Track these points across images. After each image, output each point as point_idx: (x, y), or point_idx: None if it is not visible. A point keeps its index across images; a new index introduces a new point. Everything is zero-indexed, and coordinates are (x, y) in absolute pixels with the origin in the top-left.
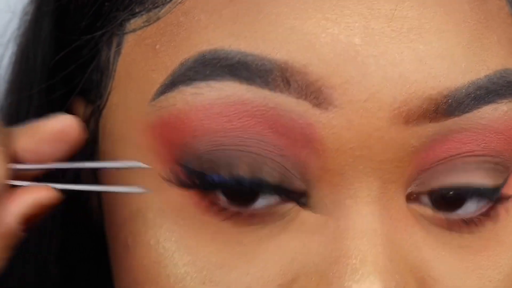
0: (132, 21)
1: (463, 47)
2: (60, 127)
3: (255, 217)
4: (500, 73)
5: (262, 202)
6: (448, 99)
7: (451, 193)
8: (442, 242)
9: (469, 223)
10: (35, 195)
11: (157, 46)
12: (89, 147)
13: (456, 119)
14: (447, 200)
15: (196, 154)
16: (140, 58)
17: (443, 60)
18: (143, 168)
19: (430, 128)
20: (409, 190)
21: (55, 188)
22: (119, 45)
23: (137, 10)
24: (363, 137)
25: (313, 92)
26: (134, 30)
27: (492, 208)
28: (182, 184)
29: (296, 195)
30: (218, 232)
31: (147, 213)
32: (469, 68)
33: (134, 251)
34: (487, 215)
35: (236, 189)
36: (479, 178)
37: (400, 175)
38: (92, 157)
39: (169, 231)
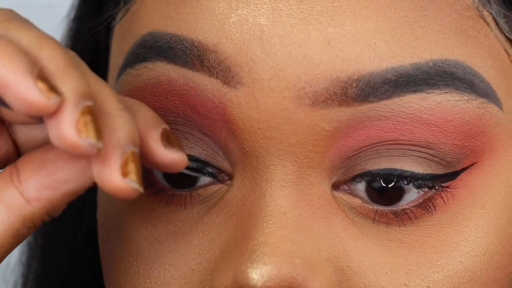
0: (119, 12)
1: (384, 32)
2: (170, 163)
3: (178, 197)
4: (434, 63)
5: (200, 183)
6: (359, 83)
7: (389, 186)
8: (369, 234)
9: (400, 215)
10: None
11: (123, 34)
12: None
13: (372, 105)
14: (385, 193)
15: None
16: (116, 46)
17: (355, 43)
18: None
19: (342, 113)
20: (335, 178)
21: None
22: (113, 35)
23: (119, 1)
24: (270, 117)
25: (222, 70)
26: (119, 21)
27: (429, 199)
28: None
29: (223, 177)
30: (153, 209)
31: (101, 195)
32: (390, 54)
33: (99, 226)
34: (422, 207)
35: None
36: (408, 166)
37: (319, 161)
38: None
39: (114, 209)
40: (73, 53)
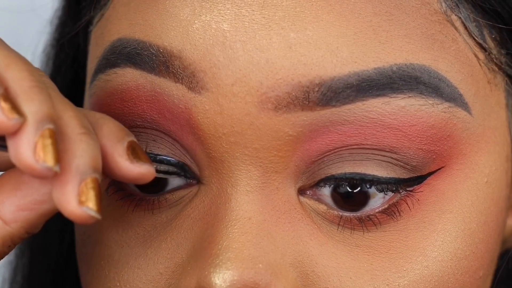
0: (95, 17)
1: (347, 37)
2: (137, 174)
3: (146, 202)
4: (398, 67)
5: (169, 188)
6: (320, 88)
7: (355, 191)
8: (335, 239)
9: (364, 221)
10: None
11: (97, 39)
12: None
13: (335, 109)
14: (350, 198)
15: None
16: (90, 51)
17: (316, 48)
18: None
19: (304, 117)
20: (300, 183)
21: None
22: (90, 41)
23: (96, 7)
24: (233, 122)
25: (187, 76)
26: (94, 26)
27: (394, 205)
28: None
29: (191, 182)
30: (123, 214)
31: None
32: (353, 59)
33: (75, 228)
34: (387, 213)
35: None
36: (372, 170)
37: (284, 165)
38: None
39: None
40: (41, 73)
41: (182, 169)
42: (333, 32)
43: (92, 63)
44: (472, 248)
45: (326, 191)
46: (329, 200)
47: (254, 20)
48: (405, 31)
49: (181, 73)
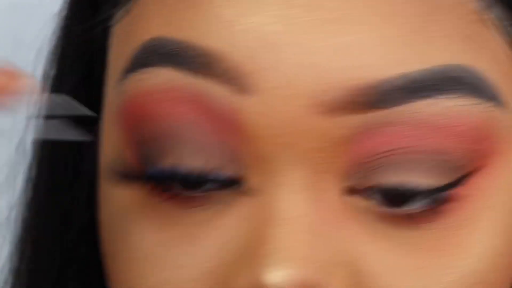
0: (118, 12)
1: (393, 39)
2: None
3: (193, 200)
4: (441, 68)
5: (208, 186)
6: (371, 90)
7: (395, 191)
8: (384, 238)
9: (415, 218)
10: None
11: (123, 37)
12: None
13: (385, 111)
14: (392, 195)
15: (140, 140)
16: (116, 47)
17: (368, 50)
18: None
19: (355, 120)
20: (348, 183)
21: None
22: (111, 36)
23: (119, 2)
24: (283, 124)
25: (233, 78)
26: (118, 22)
27: (442, 204)
28: (126, 177)
29: (232, 182)
30: (163, 212)
31: (107, 192)
32: (400, 61)
33: (100, 227)
34: (436, 211)
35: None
36: (422, 175)
37: (330, 167)
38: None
39: (121, 210)
40: None
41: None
42: (379, 34)
43: (118, 60)
44: (508, 244)
45: (372, 190)
46: (374, 197)
47: (301, 22)
48: (444, 32)
49: (225, 75)
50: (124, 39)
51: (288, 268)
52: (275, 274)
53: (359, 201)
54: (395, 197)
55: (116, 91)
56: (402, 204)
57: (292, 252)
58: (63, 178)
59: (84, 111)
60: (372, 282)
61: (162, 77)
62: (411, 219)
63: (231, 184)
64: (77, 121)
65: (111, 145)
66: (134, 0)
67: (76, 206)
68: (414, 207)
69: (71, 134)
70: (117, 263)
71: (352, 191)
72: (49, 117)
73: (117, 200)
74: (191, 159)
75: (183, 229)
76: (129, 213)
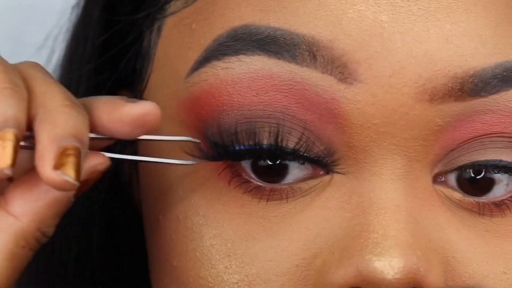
0: (171, 3)
1: (491, 29)
2: (141, 112)
3: (278, 192)
4: None
5: (288, 178)
6: (474, 79)
7: (478, 177)
8: (468, 225)
9: (501, 206)
10: (93, 162)
11: (193, 25)
12: None
13: (482, 99)
14: (476, 183)
15: (222, 128)
16: (178, 38)
17: (470, 40)
18: (194, 142)
19: (455, 108)
20: (436, 170)
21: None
22: (159, 28)
23: None
24: (387, 113)
25: (338, 67)
26: (173, 13)
27: None
28: (206, 156)
29: (321, 167)
30: (243, 206)
31: (178, 188)
32: (497, 50)
33: (164, 226)
34: None
35: (263, 165)
36: (508, 156)
37: (426, 154)
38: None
39: (197, 205)
40: (16, 74)
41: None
42: (481, 23)
43: (184, 50)
44: None
45: (452, 177)
46: (453, 184)
47: (411, 11)
48: None
49: (330, 64)
50: (195, 27)
51: (400, 256)
52: (386, 262)
53: (446, 190)
54: (479, 185)
55: (189, 80)
56: (488, 192)
57: (399, 239)
58: None
59: None
60: (463, 268)
61: (254, 65)
62: (496, 207)
63: (318, 175)
64: None
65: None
66: None
67: (93, 209)
68: (499, 193)
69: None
70: (190, 260)
71: (439, 179)
72: None
73: (190, 195)
74: (282, 138)
75: (266, 223)
76: (206, 207)
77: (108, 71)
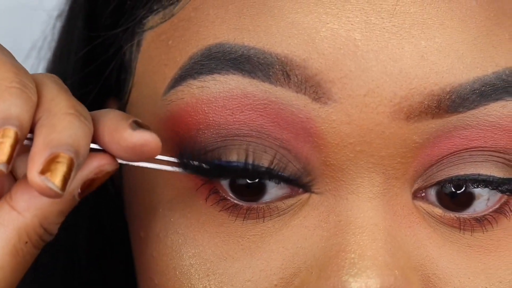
0: (150, 18)
1: (468, 43)
2: (138, 143)
3: (255, 211)
4: (510, 70)
5: (266, 197)
6: (451, 95)
7: (458, 192)
8: (450, 241)
9: (482, 221)
10: (100, 162)
11: (170, 42)
12: None
13: (460, 115)
14: (456, 198)
15: (197, 146)
16: (155, 54)
17: (446, 55)
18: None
19: (433, 125)
20: (415, 186)
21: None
22: (139, 43)
23: (154, 8)
24: (363, 132)
25: (312, 86)
26: (151, 28)
27: (505, 203)
28: (186, 168)
29: (298, 186)
30: (221, 224)
31: (158, 206)
32: (475, 64)
33: (146, 243)
34: (500, 211)
35: (241, 184)
36: (487, 170)
37: (404, 171)
38: None
39: (176, 224)
40: (27, 76)
41: (287, 180)
42: (457, 38)
43: (161, 67)
44: None
45: (432, 192)
46: (434, 199)
47: (385, 28)
48: (509, 34)
49: (304, 83)
50: (171, 44)
51: (376, 277)
52: (363, 283)
53: (427, 206)
54: (459, 200)
55: (166, 98)
56: (468, 207)
57: (376, 259)
58: None
59: None
60: (444, 285)
61: (229, 84)
62: (477, 222)
63: (296, 193)
64: None
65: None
66: (177, 6)
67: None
68: (479, 208)
69: None
70: (171, 279)
71: (419, 195)
72: None
73: (169, 213)
74: (257, 157)
75: (244, 242)
76: (185, 226)
77: (92, 83)
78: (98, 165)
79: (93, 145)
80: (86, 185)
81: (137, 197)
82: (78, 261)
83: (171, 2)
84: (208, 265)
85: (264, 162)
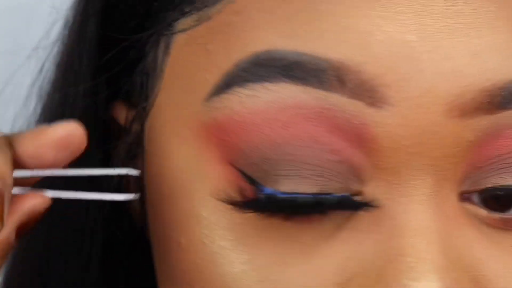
0: (181, 20)
1: None
2: (63, 134)
3: (309, 217)
4: None
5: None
6: (502, 91)
7: (502, 193)
8: (496, 242)
9: None
10: (31, 203)
11: (209, 46)
12: (132, 149)
13: (509, 112)
14: (499, 199)
15: (250, 159)
16: (191, 58)
17: (496, 53)
18: (133, 174)
19: (485, 121)
20: (461, 189)
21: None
22: (167, 45)
23: (186, 10)
24: (418, 133)
25: (367, 91)
26: (183, 30)
27: None
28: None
29: (350, 196)
30: (276, 229)
31: (201, 211)
32: None
33: (188, 250)
34: None
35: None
36: None
37: (454, 172)
38: (135, 158)
39: (225, 230)
40: None
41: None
42: (504, 37)
43: (198, 71)
44: None
45: (476, 194)
46: (478, 200)
47: (438, 28)
48: None
49: (359, 88)
50: (209, 50)
51: (436, 280)
52: (424, 287)
53: (471, 207)
54: (502, 201)
55: (209, 104)
56: (503, 207)
57: (434, 263)
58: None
59: None
60: (493, 286)
61: (280, 93)
62: None
63: (348, 200)
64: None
65: (189, 164)
66: (213, 8)
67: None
68: None
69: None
70: (218, 286)
71: (464, 197)
72: None
73: (215, 220)
74: (307, 184)
75: (298, 247)
76: (235, 231)
77: (106, 90)
78: (29, 208)
79: (19, 172)
80: (21, 228)
81: (172, 203)
82: (90, 271)
83: (205, 4)
84: (263, 271)
85: (315, 188)
